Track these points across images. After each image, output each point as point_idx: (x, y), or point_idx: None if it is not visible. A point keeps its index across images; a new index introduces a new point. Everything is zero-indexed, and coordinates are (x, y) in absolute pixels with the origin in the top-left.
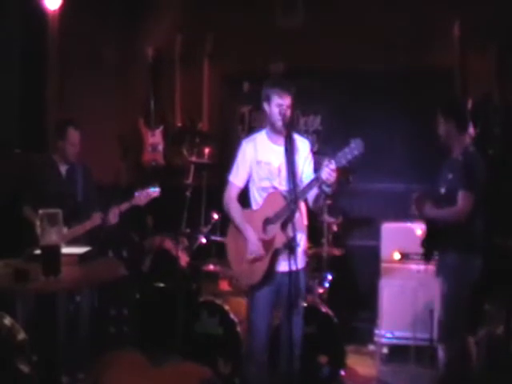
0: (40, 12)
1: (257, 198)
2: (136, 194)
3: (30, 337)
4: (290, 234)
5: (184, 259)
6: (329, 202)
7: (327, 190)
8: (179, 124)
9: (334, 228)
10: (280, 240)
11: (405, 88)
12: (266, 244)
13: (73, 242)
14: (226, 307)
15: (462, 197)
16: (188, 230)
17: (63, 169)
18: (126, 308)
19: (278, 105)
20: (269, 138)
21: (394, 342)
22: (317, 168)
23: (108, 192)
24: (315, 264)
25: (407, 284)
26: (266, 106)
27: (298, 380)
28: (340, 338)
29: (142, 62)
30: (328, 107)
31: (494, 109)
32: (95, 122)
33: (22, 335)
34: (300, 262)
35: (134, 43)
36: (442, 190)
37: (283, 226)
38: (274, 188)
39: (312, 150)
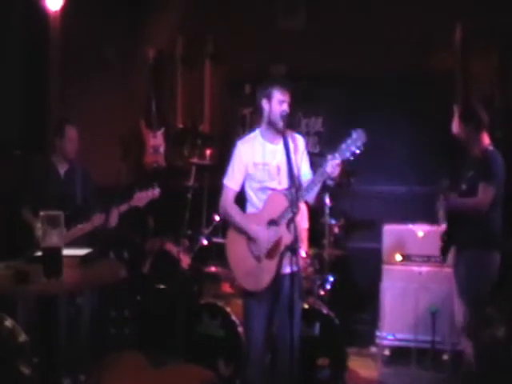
0: (41, 13)
1: (254, 201)
2: (135, 195)
3: (31, 338)
4: (294, 234)
5: (185, 261)
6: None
7: (330, 183)
8: (180, 125)
9: (336, 230)
10: (287, 240)
11: (406, 90)
12: (273, 246)
13: (73, 243)
14: (228, 309)
15: (482, 189)
16: (189, 232)
17: (62, 170)
18: (127, 310)
19: (280, 101)
20: (264, 137)
21: (396, 344)
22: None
23: (108, 193)
24: (317, 266)
25: (409, 286)
26: (265, 103)
27: (298, 382)
28: (341, 339)
29: (144, 64)
30: (329, 109)
31: (496, 111)
32: (96, 123)
33: (22, 337)
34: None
35: (135, 44)
36: (463, 187)
37: (288, 226)
38: (272, 189)
39: (314, 151)
